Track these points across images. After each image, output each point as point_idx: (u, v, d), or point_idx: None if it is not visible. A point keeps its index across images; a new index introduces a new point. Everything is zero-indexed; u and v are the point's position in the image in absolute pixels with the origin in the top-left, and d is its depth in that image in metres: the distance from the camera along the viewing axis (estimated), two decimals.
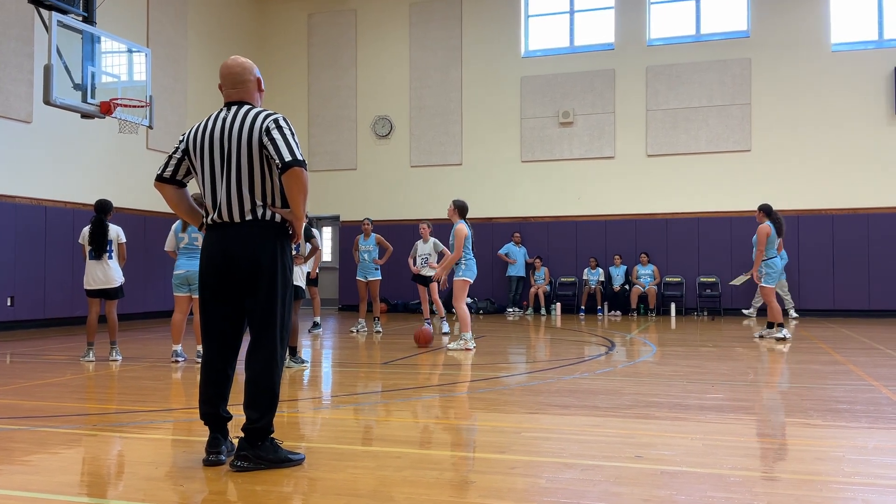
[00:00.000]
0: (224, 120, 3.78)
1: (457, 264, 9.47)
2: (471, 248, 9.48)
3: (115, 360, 8.25)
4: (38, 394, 6.23)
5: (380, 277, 12.02)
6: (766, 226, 10.55)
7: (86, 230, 8.42)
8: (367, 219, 12.30)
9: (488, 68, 18.00)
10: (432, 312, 11.98)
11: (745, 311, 15.60)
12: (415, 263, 11.73)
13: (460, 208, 9.54)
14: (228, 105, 3.87)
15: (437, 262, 11.41)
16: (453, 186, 17.55)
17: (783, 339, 10.29)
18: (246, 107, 3.82)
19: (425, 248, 11.67)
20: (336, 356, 9.47)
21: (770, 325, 10.70)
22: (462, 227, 9.35)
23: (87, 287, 8.39)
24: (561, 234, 17.38)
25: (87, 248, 8.35)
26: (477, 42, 18.10)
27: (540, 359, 9.05)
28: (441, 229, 13.75)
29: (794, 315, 15.27)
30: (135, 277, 12.59)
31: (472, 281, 9.45)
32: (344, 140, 19.02)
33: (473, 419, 5.25)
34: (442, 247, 11.55)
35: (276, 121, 3.71)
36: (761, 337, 10.69)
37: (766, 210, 10.73)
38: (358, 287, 12.03)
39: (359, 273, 11.98)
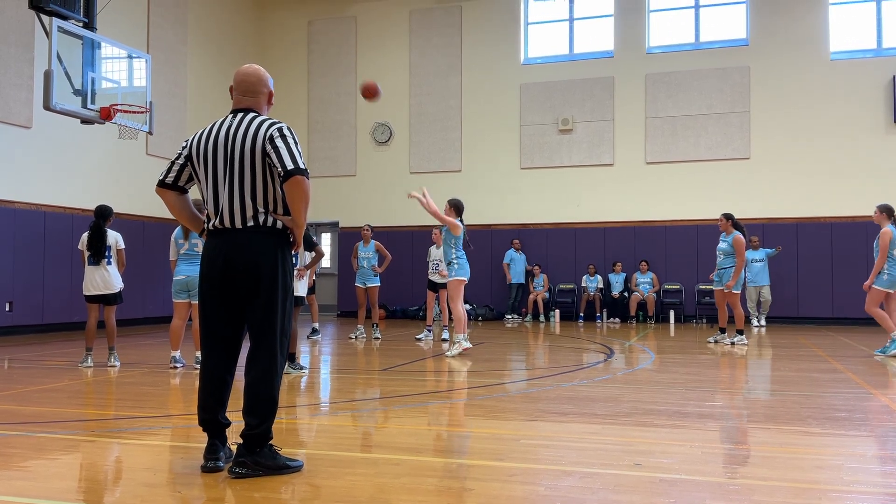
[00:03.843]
0: (229, 127, 3.79)
1: (450, 265, 9.47)
2: (462, 247, 9.50)
3: (114, 366, 8.24)
4: (36, 399, 6.22)
5: (378, 284, 12.02)
6: (740, 236, 10.77)
7: (85, 236, 8.42)
8: (368, 225, 12.31)
9: (488, 75, 18.04)
10: (435, 320, 12.00)
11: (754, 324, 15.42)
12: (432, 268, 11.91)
13: (456, 206, 9.62)
14: (235, 112, 3.88)
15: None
16: (452, 193, 17.26)
17: (715, 343, 11.02)
18: (251, 115, 3.83)
19: (437, 253, 11.68)
20: (335, 362, 9.47)
21: (740, 332, 11.06)
22: (458, 224, 9.40)
23: (86, 293, 8.38)
24: (560, 240, 17.39)
25: (86, 254, 8.35)
26: (476, 49, 18.15)
27: (539, 366, 9.04)
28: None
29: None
30: (134, 283, 12.57)
31: (466, 280, 9.45)
32: (343, 146, 19.04)
33: (472, 426, 5.25)
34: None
35: (279, 129, 3.73)
36: (732, 344, 10.86)
37: (726, 217, 11.03)
38: (357, 293, 12.02)
39: (357, 279, 11.98)
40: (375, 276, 11.93)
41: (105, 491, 3.67)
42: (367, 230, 12.12)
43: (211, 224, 3.83)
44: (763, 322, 15.14)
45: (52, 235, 13.27)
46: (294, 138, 3.75)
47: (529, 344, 11.88)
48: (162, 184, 3.92)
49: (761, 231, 15.80)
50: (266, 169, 3.72)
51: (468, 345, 9.36)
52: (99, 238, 8.30)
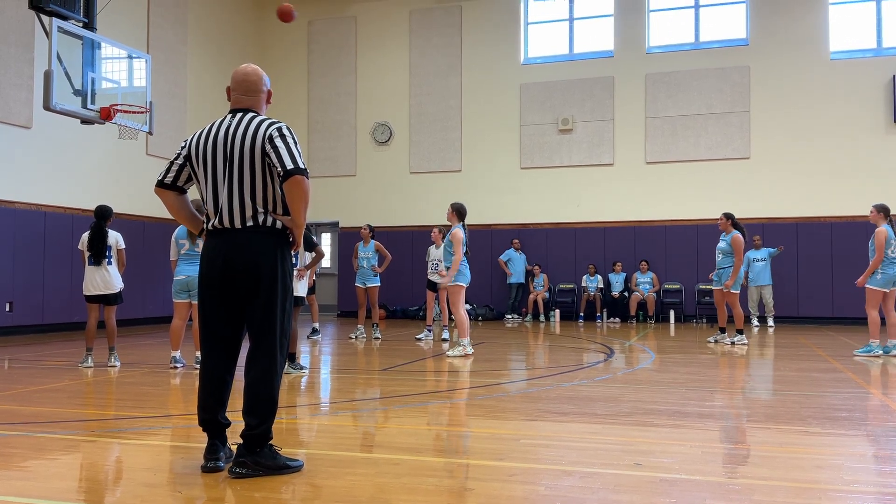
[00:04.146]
0: (228, 127, 3.79)
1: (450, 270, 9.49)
2: (463, 252, 9.51)
3: (114, 366, 8.24)
4: (36, 399, 6.22)
5: (378, 284, 12.02)
6: (739, 236, 10.77)
7: (85, 236, 8.42)
8: (368, 225, 12.31)
9: (488, 75, 18.04)
10: (435, 320, 12.01)
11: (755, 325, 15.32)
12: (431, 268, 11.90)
13: (458, 211, 9.59)
14: (234, 112, 3.87)
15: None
16: (452, 193, 17.52)
17: (715, 343, 11.09)
18: (250, 114, 3.83)
19: (437, 253, 11.67)
20: (335, 362, 9.47)
21: (740, 332, 11.06)
22: (458, 232, 9.39)
23: (86, 293, 8.38)
24: (560, 240, 17.38)
25: (87, 254, 8.35)
26: (476, 49, 18.15)
27: (539, 366, 9.04)
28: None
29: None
30: (134, 283, 12.57)
31: (466, 286, 9.48)
32: (343, 146, 19.04)
33: (472, 426, 5.25)
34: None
35: (279, 129, 3.72)
36: (732, 343, 10.88)
37: (726, 216, 11.02)
38: (357, 293, 12.02)
39: (357, 279, 11.98)
40: (375, 276, 11.93)
41: (105, 491, 3.67)
42: (367, 230, 12.12)
43: (210, 224, 3.83)
44: (771, 322, 14.99)
45: (52, 235, 13.27)
46: (293, 138, 3.74)
47: (529, 344, 11.88)
48: (161, 184, 3.92)
49: (761, 231, 15.79)
50: (265, 169, 3.71)
51: (471, 350, 9.35)
52: (100, 238, 8.30)
